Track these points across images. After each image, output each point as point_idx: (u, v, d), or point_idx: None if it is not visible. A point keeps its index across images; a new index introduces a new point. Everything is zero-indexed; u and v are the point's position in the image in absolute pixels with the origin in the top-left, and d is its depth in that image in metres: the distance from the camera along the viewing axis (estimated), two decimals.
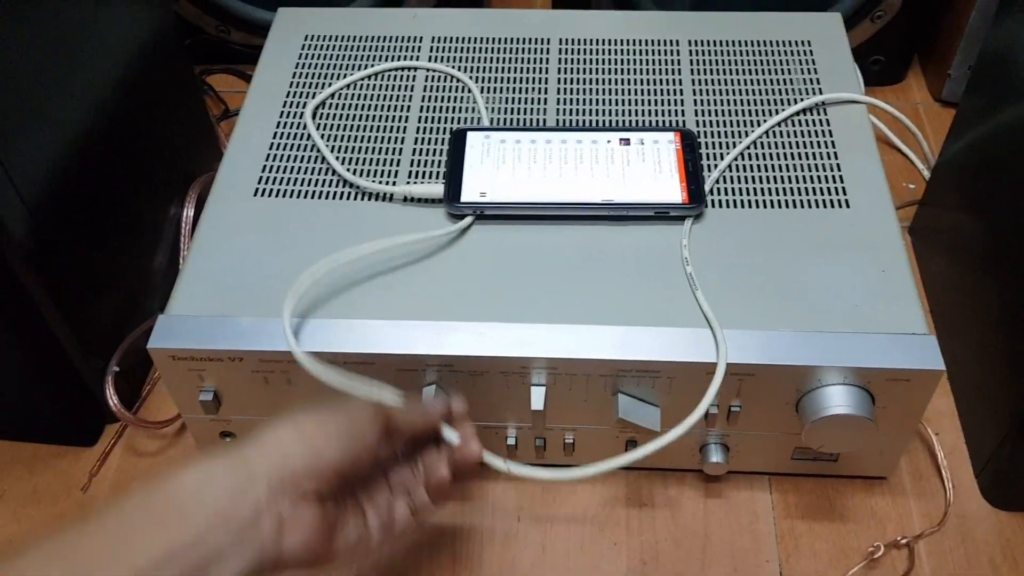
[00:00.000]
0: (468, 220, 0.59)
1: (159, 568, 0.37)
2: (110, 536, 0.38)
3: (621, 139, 0.63)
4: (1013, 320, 0.57)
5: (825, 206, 0.60)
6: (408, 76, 0.70)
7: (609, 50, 0.72)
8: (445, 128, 0.66)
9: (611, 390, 0.55)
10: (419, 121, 0.67)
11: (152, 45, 0.68)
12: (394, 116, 0.67)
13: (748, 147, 0.64)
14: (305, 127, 0.66)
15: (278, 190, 0.62)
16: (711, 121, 0.66)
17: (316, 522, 0.42)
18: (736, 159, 0.63)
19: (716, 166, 0.62)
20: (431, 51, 0.72)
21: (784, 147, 0.64)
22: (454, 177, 0.61)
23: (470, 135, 0.63)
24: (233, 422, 0.59)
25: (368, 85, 0.69)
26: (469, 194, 0.60)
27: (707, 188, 0.61)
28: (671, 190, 0.59)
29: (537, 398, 0.54)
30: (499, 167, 0.61)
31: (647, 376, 0.53)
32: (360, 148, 0.65)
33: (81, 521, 0.38)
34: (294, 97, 0.68)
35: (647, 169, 0.61)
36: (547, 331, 0.54)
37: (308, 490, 0.42)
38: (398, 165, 0.63)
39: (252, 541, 0.39)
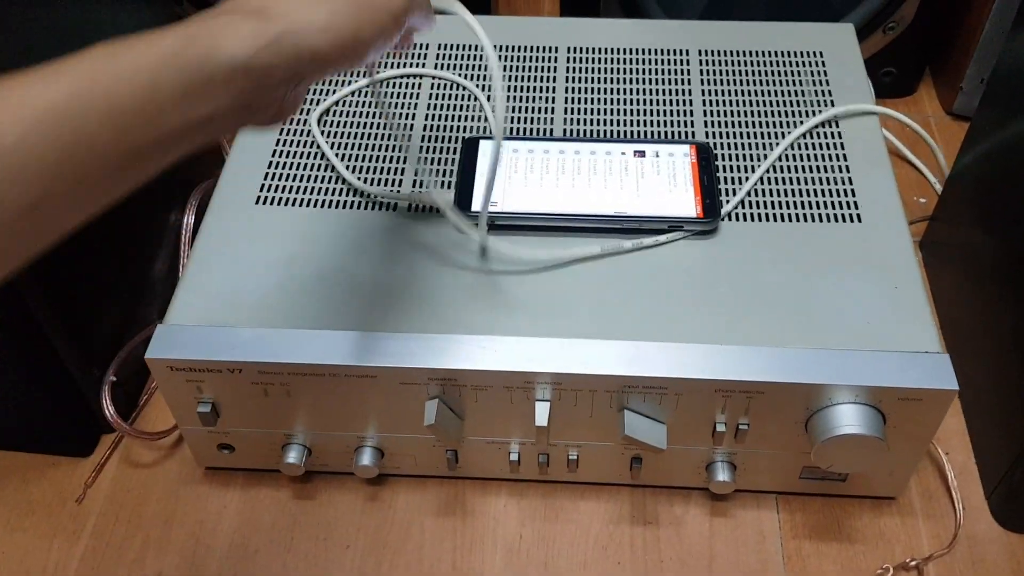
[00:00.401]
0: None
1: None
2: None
3: (636, 151, 0.62)
4: None
5: (837, 220, 0.59)
6: (414, 84, 0.69)
7: (617, 59, 0.71)
8: (451, 137, 0.65)
9: (617, 406, 0.54)
10: (424, 129, 0.66)
11: None
12: (400, 124, 0.66)
13: (767, 170, 0.62)
14: (309, 134, 0.65)
15: (281, 198, 0.61)
16: (723, 132, 0.65)
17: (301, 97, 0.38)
18: (755, 180, 0.62)
19: (730, 179, 0.62)
20: (437, 59, 0.71)
21: (796, 159, 0.63)
22: (464, 186, 0.60)
23: (482, 144, 0.63)
24: (231, 434, 0.58)
25: (373, 93, 0.69)
26: (480, 203, 0.59)
27: (727, 210, 0.59)
28: (686, 204, 0.58)
29: (541, 414, 0.53)
30: (511, 177, 0.60)
31: (654, 392, 0.52)
32: (364, 156, 0.64)
33: None
34: None
35: (662, 182, 0.60)
36: (553, 346, 0.53)
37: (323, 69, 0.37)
38: (402, 174, 0.63)
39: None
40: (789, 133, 0.64)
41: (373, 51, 0.39)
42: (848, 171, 0.62)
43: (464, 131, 0.66)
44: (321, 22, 0.36)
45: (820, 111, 0.66)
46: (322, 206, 0.61)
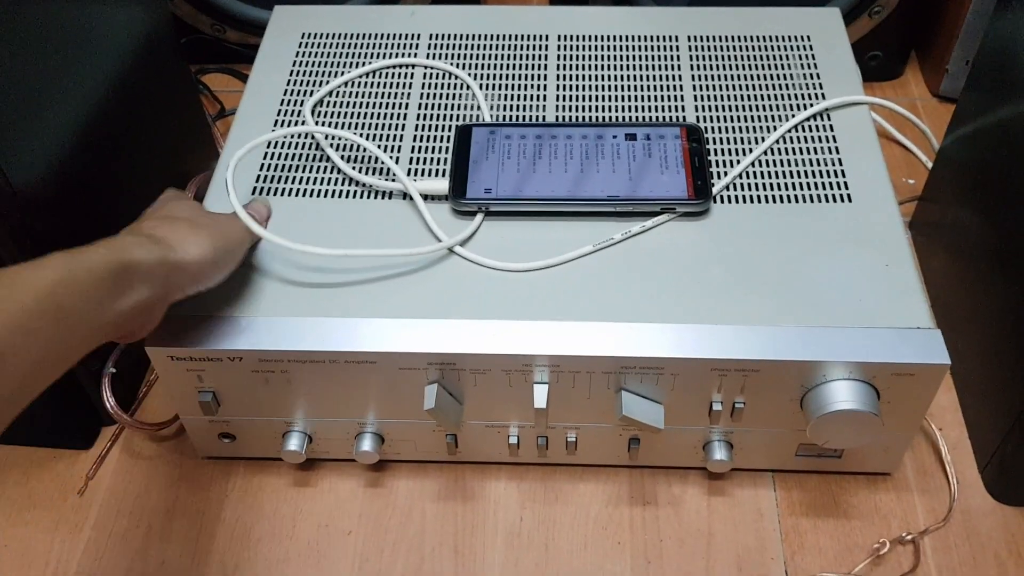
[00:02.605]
0: (479, 219, 0.59)
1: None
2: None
3: (627, 134, 0.62)
4: (1016, 315, 0.56)
5: (828, 201, 0.60)
6: (406, 73, 0.70)
7: (608, 46, 0.71)
8: (444, 125, 0.66)
9: (614, 387, 0.54)
10: (418, 119, 0.66)
11: (147, 44, 0.67)
12: (393, 114, 0.66)
13: (759, 155, 0.63)
14: (304, 125, 0.65)
15: (276, 188, 0.62)
16: (713, 117, 0.65)
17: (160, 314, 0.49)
18: (746, 164, 0.63)
19: (720, 162, 0.62)
20: (429, 48, 0.71)
21: (787, 141, 0.64)
22: (459, 173, 0.60)
23: (475, 131, 0.63)
24: (232, 423, 0.59)
25: (366, 83, 0.69)
26: (475, 190, 0.59)
27: (717, 191, 0.60)
28: (677, 186, 0.59)
29: (540, 396, 0.54)
30: (504, 163, 0.61)
31: (651, 373, 0.53)
32: (358, 146, 0.64)
33: None
34: (291, 96, 0.68)
35: (653, 164, 0.60)
36: (550, 328, 0.53)
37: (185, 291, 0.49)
38: (397, 163, 0.63)
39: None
40: (778, 116, 0.65)
41: (226, 270, 0.52)
42: (838, 152, 0.63)
43: (457, 119, 0.66)
44: (196, 251, 0.49)
45: (809, 95, 0.67)
46: (318, 196, 0.61)
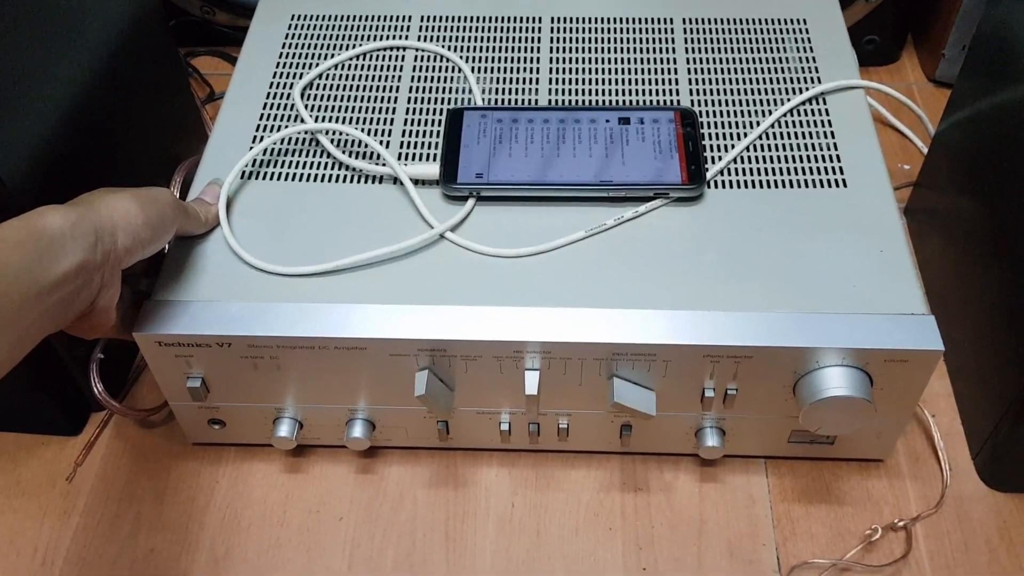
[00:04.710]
0: (471, 203, 0.58)
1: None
2: None
3: (620, 118, 0.62)
4: (1010, 301, 0.56)
5: (823, 186, 0.59)
6: (397, 56, 0.69)
7: (601, 28, 0.71)
8: (435, 109, 0.65)
9: (606, 374, 0.54)
10: (408, 102, 0.65)
11: (136, 26, 0.66)
12: (383, 97, 0.66)
13: (753, 139, 0.63)
14: (293, 108, 0.65)
15: (265, 172, 0.61)
16: (708, 100, 0.65)
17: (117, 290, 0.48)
18: (740, 150, 0.62)
19: (714, 147, 0.62)
20: (420, 30, 0.70)
21: (781, 126, 0.63)
22: (450, 157, 0.60)
23: (466, 115, 0.62)
24: (222, 409, 0.58)
25: (356, 66, 0.68)
26: (466, 175, 0.59)
27: (711, 175, 0.60)
28: (671, 170, 0.59)
29: (531, 383, 0.54)
30: (496, 147, 0.60)
31: (643, 359, 0.53)
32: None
33: None
34: (280, 79, 0.67)
35: (647, 149, 0.60)
36: (542, 315, 0.53)
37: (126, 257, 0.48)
38: (387, 147, 0.62)
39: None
40: (773, 100, 0.65)
41: (161, 232, 0.51)
42: (833, 137, 0.62)
43: (448, 103, 0.65)
44: (119, 204, 0.48)
45: (805, 79, 0.66)
46: (307, 180, 0.61)
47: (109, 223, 0.47)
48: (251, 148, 0.62)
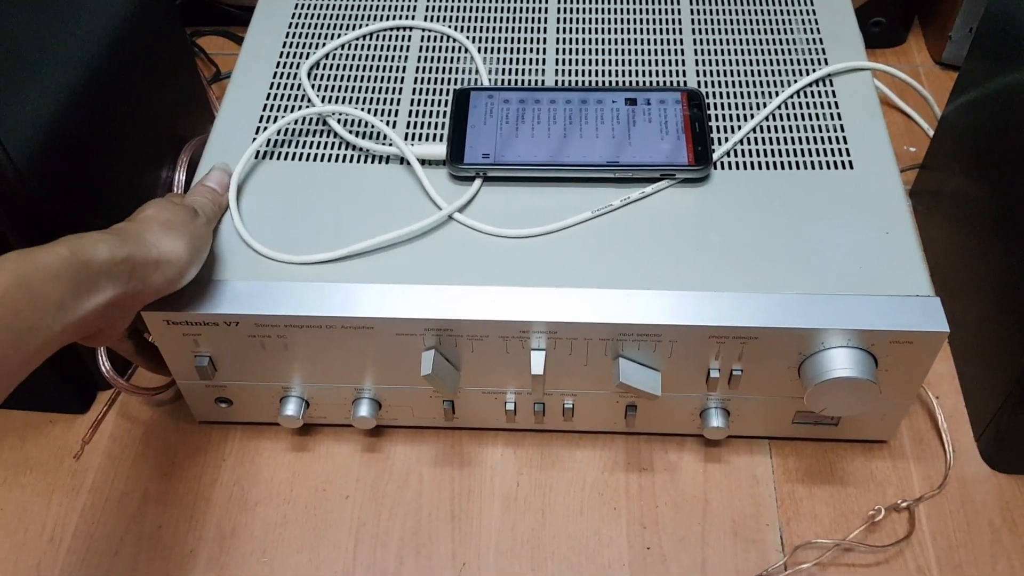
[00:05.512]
0: (477, 184, 0.58)
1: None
2: None
3: (627, 99, 0.62)
4: (1015, 284, 0.56)
5: (829, 168, 0.59)
6: (403, 36, 0.69)
7: (609, 8, 0.70)
8: (442, 89, 0.65)
9: (612, 354, 0.54)
10: (415, 82, 0.65)
11: (142, 6, 0.66)
12: (390, 77, 0.66)
13: (760, 120, 0.62)
14: (300, 87, 0.65)
15: (272, 152, 0.61)
16: (714, 82, 0.65)
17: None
18: (747, 131, 0.62)
19: (721, 128, 0.62)
20: (427, 10, 0.70)
21: (788, 107, 0.63)
22: (457, 138, 0.60)
23: (473, 95, 0.62)
24: (229, 388, 0.59)
25: (362, 45, 0.68)
26: (472, 155, 0.59)
27: (717, 157, 0.60)
28: (677, 151, 0.59)
29: (537, 363, 0.54)
30: (503, 127, 0.60)
31: (648, 340, 0.53)
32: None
33: None
34: (287, 59, 0.67)
35: (653, 130, 0.60)
36: (548, 295, 0.53)
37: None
38: (394, 127, 0.62)
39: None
40: (780, 82, 0.64)
41: (194, 272, 0.51)
42: (840, 118, 0.62)
43: (455, 83, 0.65)
44: (171, 248, 0.48)
45: (812, 61, 0.66)
46: (313, 159, 0.61)
47: (153, 264, 0.47)
48: (257, 131, 0.62)
